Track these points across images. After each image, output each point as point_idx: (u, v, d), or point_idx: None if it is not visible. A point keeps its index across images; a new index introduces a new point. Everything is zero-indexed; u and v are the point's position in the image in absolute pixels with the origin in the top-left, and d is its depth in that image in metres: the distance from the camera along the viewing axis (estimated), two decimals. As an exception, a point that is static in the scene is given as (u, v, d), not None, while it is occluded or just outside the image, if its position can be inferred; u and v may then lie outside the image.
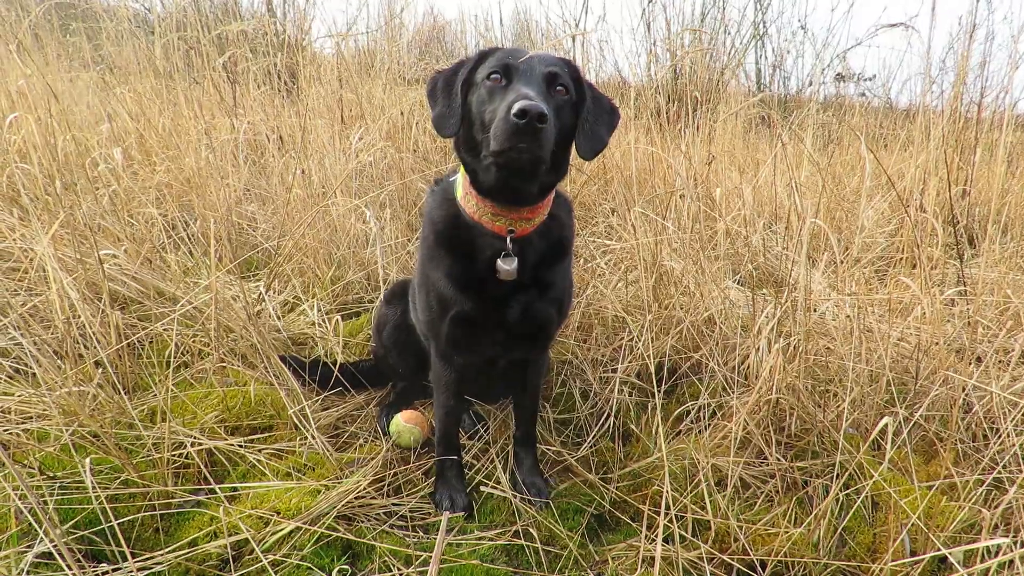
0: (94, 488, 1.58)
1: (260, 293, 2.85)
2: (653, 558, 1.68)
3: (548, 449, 2.32)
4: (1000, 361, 2.54)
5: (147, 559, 1.61)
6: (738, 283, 3.21)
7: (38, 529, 1.57)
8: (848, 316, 2.46)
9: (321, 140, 3.70)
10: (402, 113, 4.10)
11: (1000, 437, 1.98)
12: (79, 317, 2.09)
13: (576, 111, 1.78)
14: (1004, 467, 1.98)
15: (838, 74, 7.04)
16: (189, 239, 3.32)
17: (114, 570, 1.53)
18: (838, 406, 2.15)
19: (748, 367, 2.37)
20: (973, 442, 2.22)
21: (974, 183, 4.33)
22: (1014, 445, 1.90)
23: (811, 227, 2.22)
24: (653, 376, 2.16)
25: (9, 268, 2.54)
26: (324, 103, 4.23)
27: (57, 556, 1.22)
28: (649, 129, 4.03)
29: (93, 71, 5.00)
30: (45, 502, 1.61)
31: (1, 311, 2.19)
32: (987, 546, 1.58)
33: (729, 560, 1.84)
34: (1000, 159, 3.48)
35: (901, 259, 3.45)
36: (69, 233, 2.50)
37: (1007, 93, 4.49)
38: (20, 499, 1.60)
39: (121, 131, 4.01)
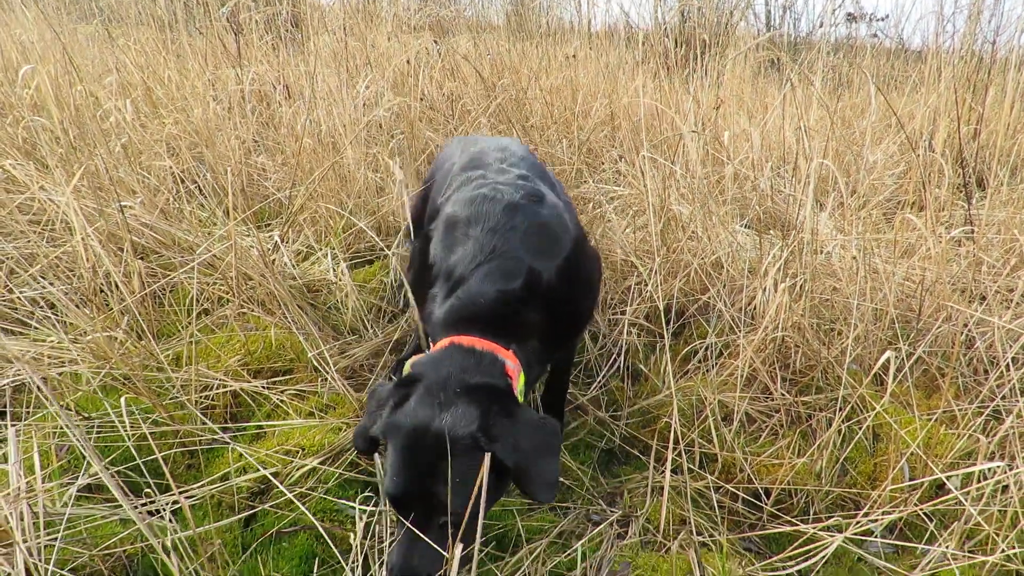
0: (130, 419, 1.66)
1: (276, 242, 2.90)
2: (662, 488, 1.76)
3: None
4: (1003, 300, 2.58)
5: (183, 492, 1.70)
6: (745, 226, 3.23)
7: (80, 463, 1.66)
8: (854, 257, 2.49)
9: (328, 88, 3.69)
10: (408, 61, 4.07)
11: (999, 370, 2.03)
12: (103, 266, 2.14)
13: None
14: (1003, 399, 2.04)
15: (849, 14, 6.87)
16: (201, 191, 3.35)
17: (150, 502, 1.63)
18: (842, 343, 2.21)
19: (755, 307, 2.42)
20: (974, 376, 2.28)
21: (986, 124, 4.28)
22: (1012, 379, 1.95)
23: (818, 167, 2.23)
24: (662, 318, 2.21)
25: (29, 220, 2.59)
26: (330, 51, 4.20)
27: (107, 482, 1.29)
28: (657, 73, 4.00)
29: (93, 23, 4.95)
30: (88, 437, 1.69)
31: (29, 261, 2.25)
32: (982, 470, 1.65)
33: (735, 489, 1.92)
34: (1010, 99, 3.44)
35: (909, 201, 3.45)
36: (87, 185, 2.54)
37: (1022, 32, 4.41)
38: (60, 436, 1.68)
39: (127, 83, 4.00)
